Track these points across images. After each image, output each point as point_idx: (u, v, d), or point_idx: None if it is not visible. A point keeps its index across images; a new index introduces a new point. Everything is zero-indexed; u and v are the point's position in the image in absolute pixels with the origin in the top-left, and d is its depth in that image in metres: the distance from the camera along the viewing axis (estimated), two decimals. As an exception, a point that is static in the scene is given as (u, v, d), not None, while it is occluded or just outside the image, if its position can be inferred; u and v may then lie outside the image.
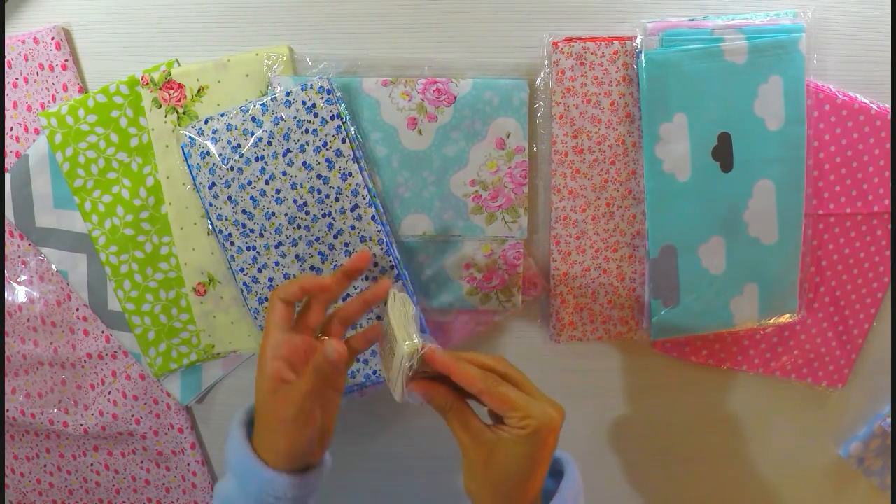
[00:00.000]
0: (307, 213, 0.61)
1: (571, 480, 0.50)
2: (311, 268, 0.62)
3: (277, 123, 0.60)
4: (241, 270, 0.63)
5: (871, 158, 0.63)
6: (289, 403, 0.49)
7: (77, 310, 0.68)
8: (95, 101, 0.62)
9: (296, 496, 0.50)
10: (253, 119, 0.60)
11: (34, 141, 0.64)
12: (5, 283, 0.68)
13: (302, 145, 0.60)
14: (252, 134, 0.60)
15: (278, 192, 0.61)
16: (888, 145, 0.63)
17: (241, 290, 0.63)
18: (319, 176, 0.61)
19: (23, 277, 0.68)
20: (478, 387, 0.47)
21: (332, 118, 0.59)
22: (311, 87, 0.59)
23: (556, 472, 0.52)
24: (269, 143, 0.60)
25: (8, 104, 0.64)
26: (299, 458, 0.51)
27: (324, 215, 0.61)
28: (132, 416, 0.69)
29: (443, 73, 0.61)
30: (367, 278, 0.63)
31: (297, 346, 0.52)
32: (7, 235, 0.67)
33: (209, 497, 0.72)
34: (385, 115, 0.61)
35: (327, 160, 0.60)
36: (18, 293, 0.68)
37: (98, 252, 0.65)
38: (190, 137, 0.60)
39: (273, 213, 0.61)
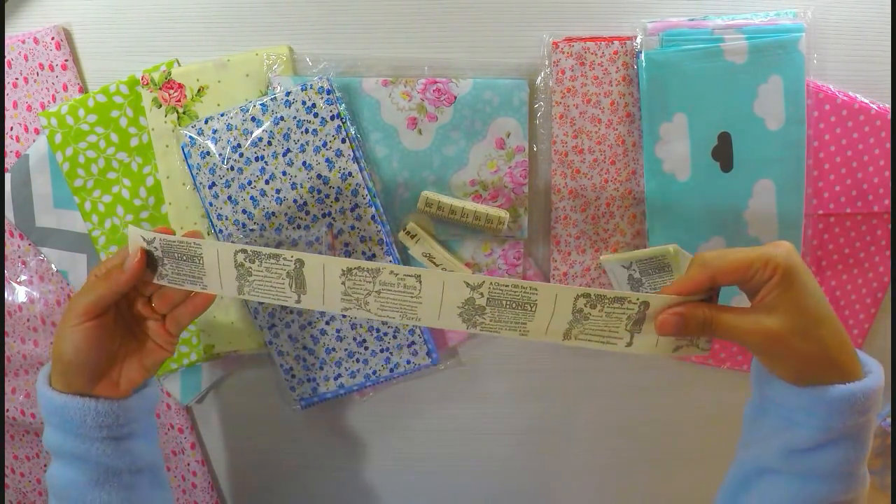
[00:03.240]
0: (307, 213, 0.61)
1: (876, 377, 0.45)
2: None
3: (277, 123, 0.60)
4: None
5: (871, 158, 0.63)
6: (67, 308, 0.48)
7: (77, 310, 0.68)
8: (95, 101, 0.62)
9: (108, 423, 0.48)
10: (253, 119, 0.60)
11: (34, 141, 0.64)
12: (5, 283, 0.68)
13: (302, 145, 0.60)
14: (252, 134, 0.60)
15: (278, 192, 0.61)
16: (888, 145, 0.63)
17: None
18: (319, 176, 0.61)
19: (23, 277, 0.68)
20: (705, 276, 0.43)
21: (332, 118, 0.59)
22: (311, 87, 0.59)
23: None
24: (269, 143, 0.60)
25: (8, 104, 0.64)
26: (77, 374, 0.48)
27: (324, 215, 0.61)
28: (132, 416, 0.69)
29: (443, 73, 0.61)
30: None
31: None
32: (7, 235, 0.67)
33: (209, 497, 0.72)
34: (385, 115, 0.61)
35: (327, 160, 0.60)
36: (18, 293, 0.68)
37: (98, 252, 0.65)
38: (190, 137, 0.60)
39: (273, 213, 0.61)
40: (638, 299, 0.44)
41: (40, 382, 0.49)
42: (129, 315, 0.52)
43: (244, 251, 0.48)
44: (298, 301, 0.49)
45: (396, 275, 0.46)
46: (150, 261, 0.50)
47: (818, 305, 0.43)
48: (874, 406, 0.43)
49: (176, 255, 0.50)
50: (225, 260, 0.49)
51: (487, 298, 0.46)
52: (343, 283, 0.48)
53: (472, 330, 0.47)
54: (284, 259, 0.48)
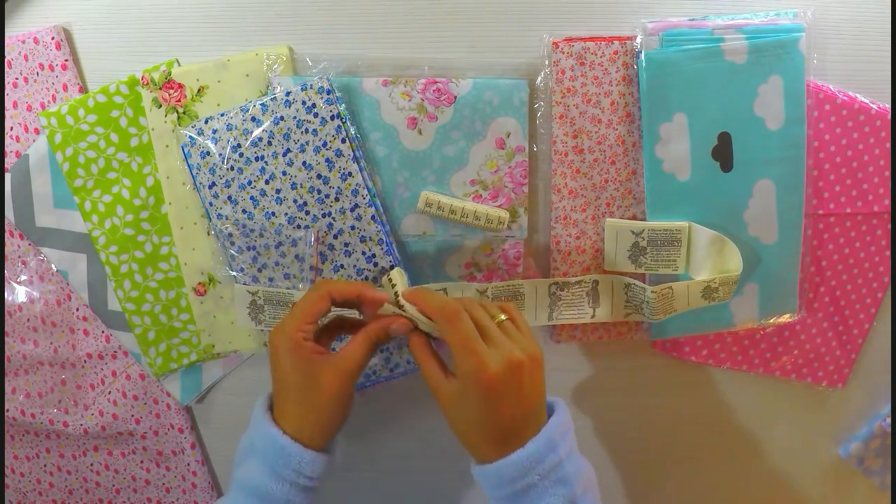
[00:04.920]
0: (307, 213, 0.61)
1: (558, 419, 0.50)
2: (311, 268, 0.62)
3: (277, 123, 0.60)
4: (241, 270, 0.63)
5: (871, 158, 0.63)
6: (342, 372, 0.50)
7: (77, 310, 0.68)
8: (95, 101, 0.62)
9: (323, 475, 0.51)
10: (253, 119, 0.60)
11: (34, 141, 0.64)
12: (5, 283, 0.68)
13: (302, 145, 0.60)
14: (252, 134, 0.60)
15: (278, 192, 0.61)
16: (888, 145, 0.63)
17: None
18: (319, 176, 0.61)
19: (23, 277, 0.68)
20: (434, 314, 0.51)
21: (332, 118, 0.59)
22: (311, 87, 0.59)
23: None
24: (269, 143, 0.60)
25: (8, 104, 0.64)
26: (331, 434, 0.52)
27: (324, 215, 0.61)
28: (132, 416, 0.69)
29: (443, 73, 0.61)
30: (366, 278, 0.63)
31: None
32: (7, 235, 0.67)
33: (209, 497, 0.72)
34: (385, 115, 0.61)
35: (327, 160, 0.60)
36: (18, 293, 0.68)
37: (98, 252, 0.65)
38: (190, 137, 0.61)
39: (273, 213, 0.61)
40: (590, 279, 0.64)
41: (277, 431, 0.50)
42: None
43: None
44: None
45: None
46: None
47: (477, 412, 0.48)
48: (530, 469, 0.47)
49: (275, 300, 0.61)
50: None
51: (491, 298, 0.62)
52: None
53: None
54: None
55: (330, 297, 0.52)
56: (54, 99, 0.63)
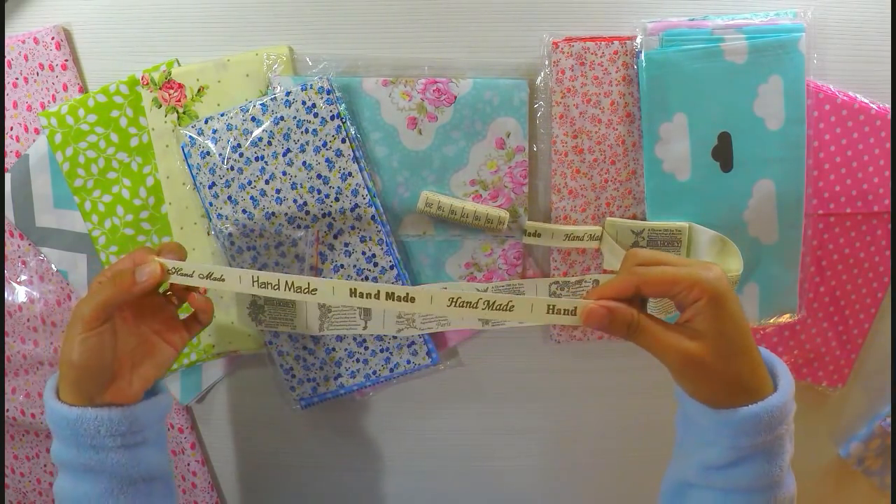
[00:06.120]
0: (307, 213, 0.61)
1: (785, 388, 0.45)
2: (311, 268, 0.62)
3: (277, 123, 0.60)
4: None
5: (871, 158, 0.63)
6: (74, 314, 0.47)
7: (77, 310, 0.68)
8: (95, 101, 0.62)
9: (122, 430, 0.47)
10: (253, 119, 0.60)
11: (34, 141, 0.64)
12: (5, 283, 0.68)
13: (302, 145, 0.60)
14: (252, 134, 0.60)
15: (278, 192, 0.61)
16: (888, 145, 0.63)
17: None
18: (319, 176, 0.61)
19: (23, 277, 0.68)
20: (630, 283, 0.44)
21: (332, 118, 0.59)
22: (311, 87, 0.59)
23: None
24: (269, 143, 0.60)
25: (8, 104, 0.64)
26: (90, 381, 0.47)
27: (324, 215, 0.61)
28: (132, 416, 0.69)
29: (443, 73, 0.61)
30: (366, 278, 0.63)
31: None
32: (7, 235, 0.67)
33: (210, 497, 0.72)
34: (385, 115, 0.61)
35: (327, 160, 0.60)
36: (18, 293, 0.68)
37: (98, 252, 0.65)
38: (190, 137, 0.61)
39: (273, 213, 0.61)
40: (592, 279, 0.63)
41: (48, 396, 0.48)
42: (137, 314, 0.52)
43: None
44: (365, 328, 0.62)
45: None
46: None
47: (740, 336, 0.43)
48: (783, 419, 0.44)
49: (275, 301, 0.60)
50: (311, 304, 0.60)
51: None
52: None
53: (486, 326, 0.63)
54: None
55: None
56: (54, 99, 0.63)
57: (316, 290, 0.48)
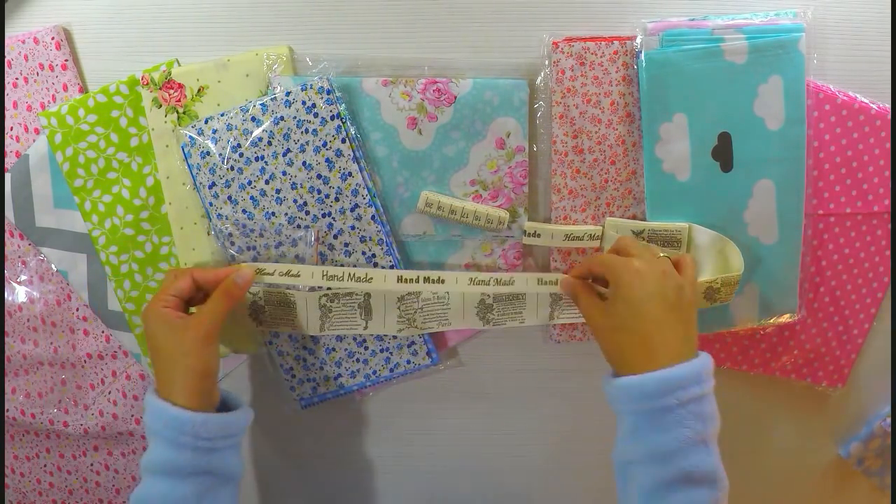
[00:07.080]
0: (307, 213, 0.61)
1: (707, 360, 0.51)
2: (311, 268, 0.62)
3: (277, 123, 0.60)
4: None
5: (871, 158, 0.63)
6: (198, 327, 0.52)
7: (77, 310, 0.68)
8: (95, 101, 0.62)
9: (224, 434, 0.52)
10: (253, 119, 0.60)
11: (34, 141, 0.64)
12: (5, 283, 0.68)
13: (302, 145, 0.60)
14: (252, 134, 0.60)
15: (278, 192, 0.61)
16: (888, 145, 0.63)
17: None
18: (319, 176, 0.61)
19: (23, 277, 0.68)
20: (586, 266, 0.59)
21: (332, 118, 0.59)
22: (311, 87, 0.59)
23: None
24: (269, 143, 0.60)
25: (8, 104, 0.64)
26: (210, 388, 0.53)
27: (324, 215, 0.61)
28: (132, 416, 0.69)
29: (443, 73, 0.61)
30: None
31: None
32: (7, 235, 0.67)
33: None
34: (385, 115, 0.61)
35: (327, 160, 0.60)
36: (18, 293, 0.68)
37: (98, 252, 0.65)
38: (190, 137, 0.61)
39: (273, 213, 0.61)
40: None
41: (164, 406, 0.51)
42: None
43: (326, 295, 0.62)
44: (366, 328, 0.63)
45: (435, 293, 0.63)
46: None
47: (631, 316, 0.52)
48: (664, 394, 0.48)
49: (275, 301, 0.62)
50: (311, 304, 0.62)
51: (493, 297, 0.63)
52: (398, 308, 0.63)
53: (486, 326, 0.64)
54: (356, 294, 0.62)
55: (191, 277, 0.56)
56: (54, 99, 0.63)
57: (372, 278, 0.60)
